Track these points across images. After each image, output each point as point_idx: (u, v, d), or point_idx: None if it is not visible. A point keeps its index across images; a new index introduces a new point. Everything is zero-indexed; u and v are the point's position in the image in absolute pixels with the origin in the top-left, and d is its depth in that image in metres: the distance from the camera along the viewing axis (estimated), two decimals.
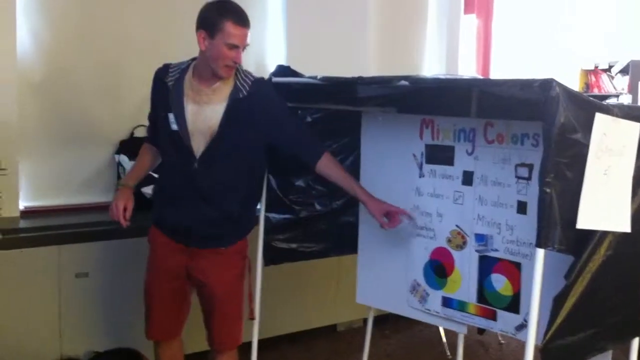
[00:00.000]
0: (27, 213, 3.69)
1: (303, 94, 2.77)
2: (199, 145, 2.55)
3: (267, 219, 2.94)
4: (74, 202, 3.81)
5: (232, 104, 2.52)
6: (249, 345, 2.92)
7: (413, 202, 2.71)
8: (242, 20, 2.48)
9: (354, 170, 2.99)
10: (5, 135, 3.30)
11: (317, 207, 3.04)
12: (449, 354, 3.90)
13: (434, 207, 2.65)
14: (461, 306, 2.58)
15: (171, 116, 2.56)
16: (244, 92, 2.53)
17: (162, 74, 2.64)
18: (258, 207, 2.91)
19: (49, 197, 3.80)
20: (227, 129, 2.52)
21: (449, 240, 2.61)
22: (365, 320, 3.67)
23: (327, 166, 2.63)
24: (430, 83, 2.52)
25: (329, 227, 3.06)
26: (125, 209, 2.63)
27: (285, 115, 2.64)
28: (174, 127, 2.56)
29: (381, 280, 2.85)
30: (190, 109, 2.55)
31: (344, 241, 3.02)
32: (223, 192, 2.61)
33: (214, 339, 2.78)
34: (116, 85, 3.79)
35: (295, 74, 2.82)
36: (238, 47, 2.47)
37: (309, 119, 2.97)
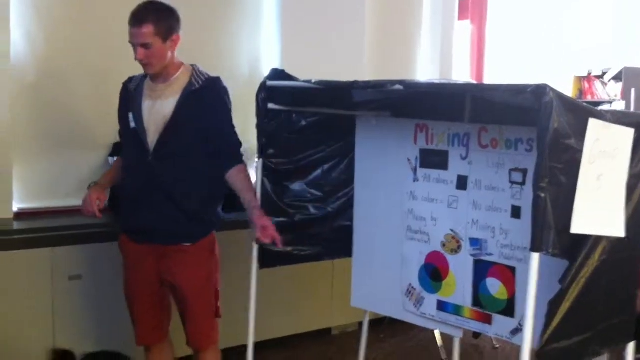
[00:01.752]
0: (21, 215, 3.69)
1: (297, 98, 2.78)
2: (153, 139, 2.68)
3: None
4: (67, 204, 3.80)
5: (185, 95, 2.67)
6: (244, 348, 2.92)
7: (407, 206, 2.72)
8: (132, 19, 2.63)
9: (349, 175, 3.00)
10: (0, 138, 3.29)
11: (312, 210, 3.04)
12: (444, 357, 3.90)
13: (429, 212, 2.66)
14: (456, 310, 2.58)
15: (130, 115, 2.74)
16: (197, 85, 2.68)
17: (127, 83, 2.83)
18: None
19: (43, 199, 3.80)
20: (180, 119, 2.65)
21: (444, 245, 2.62)
22: (360, 324, 3.67)
23: (234, 177, 2.72)
24: (425, 88, 2.53)
25: (323, 231, 3.06)
26: (98, 200, 2.75)
27: (224, 116, 2.74)
28: (132, 124, 2.73)
29: (376, 283, 2.85)
30: (146, 105, 2.72)
31: (338, 245, 3.02)
32: (180, 187, 2.70)
33: (189, 338, 2.86)
34: (109, 88, 3.75)
35: (289, 77, 2.83)
36: (134, 45, 2.62)
37: (303, 123, 2.97)
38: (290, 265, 3.14)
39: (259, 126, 2.87)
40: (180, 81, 2.70)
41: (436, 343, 3.97)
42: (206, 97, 2.69)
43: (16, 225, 3.57)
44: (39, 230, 3.48)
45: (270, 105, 2.81)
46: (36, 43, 3.63)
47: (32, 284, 3.32)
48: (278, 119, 2.89)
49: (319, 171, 3.05)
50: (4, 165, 3.43)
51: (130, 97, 2.77)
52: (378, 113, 2.78)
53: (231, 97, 2.81)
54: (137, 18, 2.61)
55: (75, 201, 3.79)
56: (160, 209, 2.70)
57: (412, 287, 2.71)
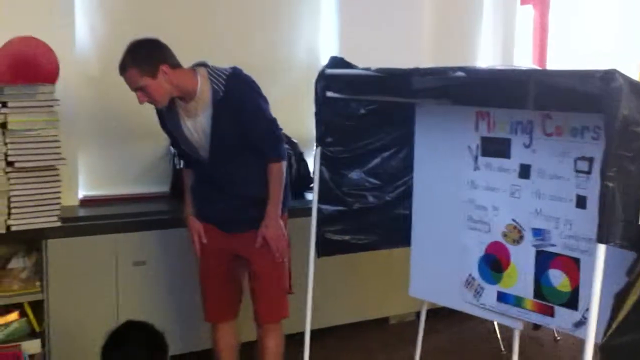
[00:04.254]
0: (86, 202, 3.79)
1: (356, 86, 2.76)
2: (204, 151, 2.81)
3: (319, 210, 2.94)
4: (131, 192, 3.89)
5: (215, 108, 2.73)
6: (301, 335, 2.94)
7: (467, 196, 2.68)
8: (118, 69, 2.73)
9: (407, 163, 2.97)
10: (65, 127, 3.38)
11: (370, 199, 3.03)
12: (503, 349, 3.85)
13: (490, 201, 2.61)
14: (517, 301, 2.53)
15: (176, 134, 2.87)
16: (221, 92, 2.72)
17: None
18: (310, 197, 2.97)
19: (107, 187, 3.89)
20: (219, 131, 2.75)
21: (505, 235, 2.57)
22: (417, 314, 3.65)
23: (268, 174, 2.82)
24: (487, 74, 2.48)
25: (382, 220, 3.04)
26: (199, 236, 2.97)
27: (256, 114, 2.78)
28: (182, 145, 2.89)
29: (434, 273, 2.82)
30: (185, 124, 2.81)
31: (397, 234, 3.00)
32: (243, 181, 2.83)
33: (258, 314, 2.96)
34: None
35: (348, 65, 2.82)
36: (135, 91, 2.72)
37: (361, 111, 2.96)
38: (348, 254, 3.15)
39: (317, 114, 2.87)
40: (204, 94, 2.73)
41: (495, 334, 3.92)
42: (235, 101, 2.72)
43: (81, 212, 3.67)
44: (103, 217, 3.57)
45: (329, 94, 2.80)
46: (100, 35, 3.72)
47: (97, 270, 3.41)
48: (336, 107, 2.88)
49: (377, 159, 3.04)
50: (69, 154, 3.50)
51: (167, 116, 2.86)
52: (438, 100, 2.74)
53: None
54: (120, 67, 2.71)
55: (139, 189, 3.90)
56: (230, 204, 2.86)
57: (472, 278, 2.68)
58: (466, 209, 2.68)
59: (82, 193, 3.83)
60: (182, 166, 3.12)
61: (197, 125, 2.79)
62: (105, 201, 3.83)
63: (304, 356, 2.92)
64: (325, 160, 2.93)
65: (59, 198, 3.31)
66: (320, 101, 2.82)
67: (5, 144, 3.13)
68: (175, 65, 2.73)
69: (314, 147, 2.92)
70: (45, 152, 3.22)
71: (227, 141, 2.77)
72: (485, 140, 2.63)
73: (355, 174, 3.01)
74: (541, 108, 2.44)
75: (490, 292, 2.62)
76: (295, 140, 4.03)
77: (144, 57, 2.68)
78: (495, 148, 2.60)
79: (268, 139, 2.82)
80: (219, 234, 2.94)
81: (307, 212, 2.95)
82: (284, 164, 2.86)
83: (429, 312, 3.17)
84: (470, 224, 2.68)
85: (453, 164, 2.72)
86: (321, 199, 2.94)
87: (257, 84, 2.83)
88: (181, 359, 3.38)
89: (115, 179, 3.90)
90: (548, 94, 2.39)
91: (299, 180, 3.90)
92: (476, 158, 2.66)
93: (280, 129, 2.89)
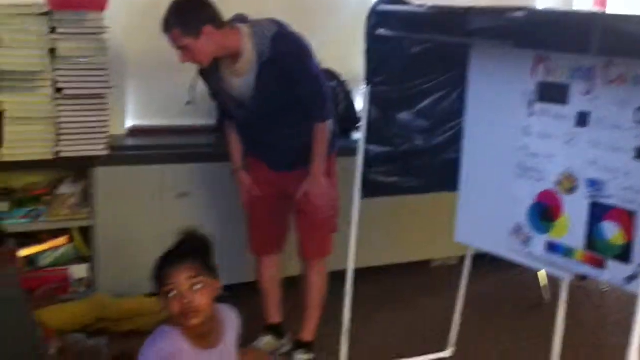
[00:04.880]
0: (133, 132, 3.81)
1: (409, 24, 2.65)
2: (250, 107, 2.79)
3: (366, 151, 2.88)
4: (178, 123, 3.90)
5: (260, 70, 2.70)
6: (344, 273, 2.94)
7: (520, 142, 2.59)
8: (161, 26, 2.70)
9: (459, 106, 2.88)
10: (114, 55, 3.37)
11: (419, 142, 2.96)
12: (546, 297, 3.81)
13: (543, 148, 2.51)
14: (567, 252, 2.46)
15: (222, 91, 2.85)
16: (266, 52, 2.67)
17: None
18: (357, 137, 2.96)
19: (154, 117, 3.90)
20: (265, 91, 2.73)
21: (558, 184, 2.48)
22: (460, 258, 3.63)
23: (313, 134, 2.82)
24: (549, 15, 2.35)
25: (429, 163, 2.98)
26: (249, 191, 3.00)
27: (303, 74, 2.76)
28: (227, 101, 2.86)
29: (482, 220, 2.76)
30: (230, 82, 2.79)
31: (444, 178, 2.93)
32: (289, 134, 2.84)
33: (304, 249, 3.02)
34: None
35: (402, 2, 2.71)
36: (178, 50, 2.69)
37: (414, 50, 2.86)
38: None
39: (367, 52, 2.78)
40: (249, 54, 2.69)
41: (538, 283, 3.87)
42: (280, 63, 2.69)
43: (129, 142, 3.70)
44: (150, 148, 3.60)
45: (380, 31, 2.70)
46: None
47: (143, 199, 3.45)
48: (387, 45, 2.78)
49: (427, 101, 2.95)
50: (118, 82, 3.52)
51: (210, 73, 2.82)
52: (495, 42, 2.62)
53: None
54: (163, 25, 2.68)
55: (185, 121, 3.89)
56: (278, 149, 2.90)
57: (521, 226, 2.61)
58: (518, 156, 2.60)
59: (130, 122, 3.85)
60: (221, 119, 3.10)
61: (241, 83, 2.76)
62: (152, 132, 3.85)
63: (345, 294, 2.93)
64: (374, 99, 2.85)
65: (106, 127, 3.33)
66: (371, 39, 2.73)
67: (54, 70, 3.14)
68: (220, 25, 2.68)
69: (363, 86, 2.84)
70: (93, 79, 3.23)
71: (273, 99, 2.77)
72: (542, 86, 2.52)
73: (404, 115, 2.93)
74: (605, 54, 2.31)
75: (539, 241, 2.56)
76: (343, 78, 3.96)
77: (188, 17, 2.63)
78: (552, 94, 2.49)
79: (314, 99, 2.80)
80: (267, 170, 2.96)
81: (354, 152, 2.90)
82: (330, 123, 2.86)
83: (473, 257, 3.13)
84: (521, 171, 2.59)
85: (507, 109, 2.63)
86: (368, 140, 2.88)
87: (301, 40, 2.78)
88: (226, 290, 3.43)
89: (163, 110, 3.90)
90: (614, 40, 2.27)
91: (347, 119, 3.84)
92: (532, 103, 2.55)
93: (327, 86, 2.87)
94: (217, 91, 2.89)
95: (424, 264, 4.25)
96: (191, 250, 2.07)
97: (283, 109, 2.81)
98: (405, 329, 3.53)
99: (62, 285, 3.33)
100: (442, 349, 3.21)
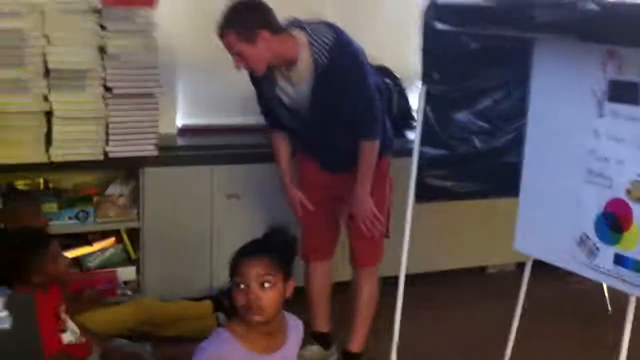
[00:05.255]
0: (184, 131, 3.77)
1: (470, 17, 2.50)
2: (303, 114, 2.70)
3: (421, 153, 2.74)
4: (229, 122, 3.84)
5: (315, 79, 2.60)
6: (396, 279, 2.81)
7: (588, 145, 2.40)
8: (216, 29, 2.61)
9: (521, 106, 2.71)
10: (165, 53, 3.32)
11: (477, 144, 2.79)
12: (610, 310, 3.59)
13: (614, 153, 2.32)
14: (637, 266, 2.28)
15: (274, 98, 2.74)
16: (323, 64, 2.58)
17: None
18: (412, 137, 2.92)
19: (205, 116, 3.86)
20: (319, 101, 2.64)
21: (629, 192, 2.28)
22: (517, 265, 3.46)
23: (359, 151, 2.71)
24: (622, 8, 2.17)
25: (488, 167, 2.80)
26: (302, 204, 2.91)
27: (355, 92, 2.65)
28: (278, 106, 2.75)
29: (544, 228, 2.58)
30: (284, 90, 2.69)
31: (503, 183, 2.76)
32: (343, 140, 2.73)
33: (356, 255, 2.92)
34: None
35: None
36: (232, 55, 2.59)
37: (473, 46, 2.69)
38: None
39: (423, 48, 2.63)
40: (305, 63, 2.60)
41: (602, 292, 3.66)
42: (337, 75, 2.60)
43: (179, 141, 3.66)
44: (200, 148, 3.55)
45: (438, 25, 2.55)
46: None
47: (192, 200, 3.41)
48: (445, 40, 2.62)
49: (487, 101, 2.78)
50: (168, 81, 3.48)
51: (263, 79, 2.72)
52: (563, 36, 2.44)
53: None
54: (218, 28, 2.58)
55: (236, 120, 3.83)
56: (333, 152, 2.80)
57: (586, 236, 2.42)
58: (585, 161, 2.41)
59: (180, 122, 3.81)
60: (269, 128, 2.99)
61: (295, 92, 2.69)
62: (203, 131, 3.82)
63: (397, 301, 2.80)
64: (430, 99, 2.70)
65: (156, 126, 3.30)
66: (428, 33, 2.58)
67: (105, 69, 3.10)
68: (276, 30, 2.58)
69: (418, 85, 2.70)
70: (143, 78, 3.20)
71: (328, 110, 2.68)
72: (613, 84, 2.33)
73: (462, 116, 2.77)
74: None
75: (606, 253, 2.36)
76: (398, 75, 3.83)
77: (244, 21, 2.55)
78: (623, 93, 2.29)
79: (364, 117, 2.70)
80: (321, 172, 2.88)
81: (408, 152, 2.77)
82: (377, 143, 2.74)
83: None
84: (589, 177, 2.40)
85: (574, 110, 2.44)
86: (423, 141, 2.74)
87: (358, 51, 2.68)
88: None
89: (214, 109, 3.85)
90: None
91: (401, 118, 3.71)
92: (601, 103, 2.36)
93: (378, 105, 2.76)
94: (269, 98, 2.79)
95: (480, 271, 4.10)
96: (271, 246, 1.99)
97: (339, 119, 2.72)
98: (459, 338, 3.39)
99: (110, 287, 3.30)
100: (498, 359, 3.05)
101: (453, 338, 3.37)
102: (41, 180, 3.37)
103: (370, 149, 2.72)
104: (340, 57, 2.60)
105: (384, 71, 3.90)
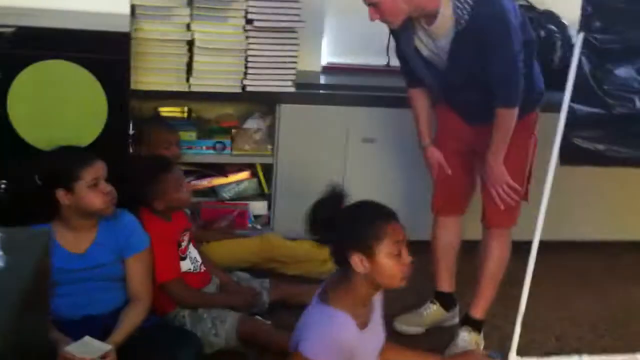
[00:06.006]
0: (329, 69, 3.70)
1: None
2: (442, 68, 2.55)
3: (571, 110, 2.44)
4: (374, 62, 3.70)
5: (455, 38, 2.45)
6: (528, 245, 2.59)
7: None
8: None
9: None
10: None
11: (638, 105, 2.45)
12: None
13: None
14: None
15: (412, 52, 2.59)
16: (464, 21, 2.39)
17: None
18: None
19: (352, 54, 3.76)
20: (457, 60, 2.49)
21: None
22: None
23: (498, 115, 2.50)
24: None
25: None
26: (440, 166, 2.76)
27: (496, 56, 2.43)
28: (416, 61, 2.60)
29: None
30: (424, 43, 2.54)
31: None
32: (480, 93, 2.53)
33: (487, 216, 2.74)
34: None
35: None
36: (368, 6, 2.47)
37: None
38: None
39: None
40: (446, 18, 2.41)
41: None
42: (478, 33, 2.40)
43: (322, 79, 3.59)
44: (338, 87, 3.48)
45: None
46: None
47: (327, 141, 3.35)
48: None
49: None
50: (314, 17, 3.41)
51: (401, 33, 2.58)
52: None
53: None
54: None
55: (383, 60, 3.67)
56: (468, 104, 2.64)
57: None
58: None
59: (326, 59, 3.73)
60: (408, 85, 2.81)
61: (434, 47, 2.52)
62: (347, 69, 3.74)
63: (527, 268, 2.58)
64: (588, 49, 2.38)
65: (295, 62, 3.25)
66: None
67: (246, 0, 3.06)
68: None
69: (575, 33, 2.40)
70: (285, 12, 3.14)
71: (466, 69, 2.51)
72: None
73: (624, 71, 2.42)
74: None
75: None
76: (565, 22, 3.47)
77: None
78: None
79: (503, 82, 2.47)
80: (459, 122, 2.70)
81: (556, 107, 2.49)
82: (515, 111, 2.50)
83: None
84: None
85: None
86: (575, 96, 2.44)
87: (505, 11, 2.41)
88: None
89: (361, 48, 3.73)
90: None
91: (562, 70, 3.35)
92: None
93: (521, 70, 2.48)
94: (407, 52, 2.64)
95: (634, 245, 3.70)
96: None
97: (477, 79, 2.52)
98: (593, 319, 3.09)
99: (241, 219, 3.34)
100: (636, 349, 2.74)
101: (585, 318, 3.09)
102: (185, 109, 3.45)
103: (506, 117, 2.51)
104: (482, 18, 2.38)
105: (550, 17, 3.56)
